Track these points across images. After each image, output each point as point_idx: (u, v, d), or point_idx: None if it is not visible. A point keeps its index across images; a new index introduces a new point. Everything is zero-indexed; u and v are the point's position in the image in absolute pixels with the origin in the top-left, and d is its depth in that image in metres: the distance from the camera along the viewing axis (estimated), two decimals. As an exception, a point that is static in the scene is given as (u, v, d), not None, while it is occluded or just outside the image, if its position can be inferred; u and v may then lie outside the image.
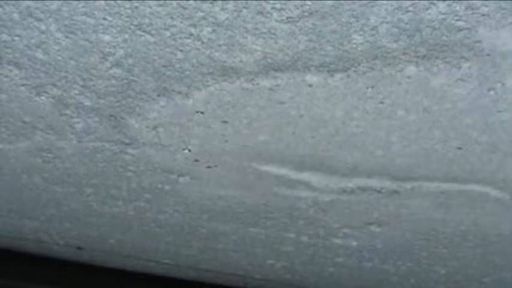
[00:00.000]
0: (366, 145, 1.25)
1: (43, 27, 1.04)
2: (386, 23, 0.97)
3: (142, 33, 1.03)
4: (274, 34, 1.01)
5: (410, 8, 0.94)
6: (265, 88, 1.13)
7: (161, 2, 0.97)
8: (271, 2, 0.95)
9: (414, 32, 0.98)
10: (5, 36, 1.07)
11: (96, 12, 1.00)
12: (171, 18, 1.00)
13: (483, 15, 0.93)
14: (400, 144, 1.24)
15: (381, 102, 1.14)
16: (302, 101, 1.16)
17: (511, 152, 1.23)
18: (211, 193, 1.49)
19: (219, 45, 1.04)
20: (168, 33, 1.03)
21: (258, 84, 1.12)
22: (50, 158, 1.42)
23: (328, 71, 1.08)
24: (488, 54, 1.01)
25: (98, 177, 1.49)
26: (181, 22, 1.00)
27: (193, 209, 1.59)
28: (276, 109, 1.18)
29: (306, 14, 0.96)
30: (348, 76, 1.08)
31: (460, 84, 1.08)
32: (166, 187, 1.49)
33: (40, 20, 1.03)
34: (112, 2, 0.98)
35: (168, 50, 1.07)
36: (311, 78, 1.10)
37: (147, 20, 1.01)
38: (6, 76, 1.17)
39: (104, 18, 1.01)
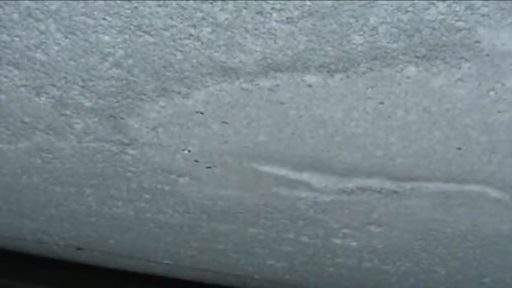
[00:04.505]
0: (366, 145, 1.25)
1: (43, 28, 1.04)
2: (386, 23, 0.97)
3: (142, 34, 1.03)
4: (274, 34, 1.01)
5: (410, 9, 0.94)
6: (265, 88, 1.13)
7: (161, 3, 0.97)
8: (271, 2, 0.95)
9: (414, 33, 0.98)
10: (4, 37, 1.07)
11: (95, 13, 1.00)
12: (171, 18, 1.00)
13: (483, 15, 0.93)
14: (400, 144, 1.24)
15: (381, 103, 1.14)
16: (302, 102, 1.16)
17: (511, 152, 1.23)
18: (211, 193, 1.49)
19: (219, 46, 1.04)
20: (167, 34, 1.03)
21: (257, 84, 1.12)
22: (50, 158, 1.42)
23: (328, 72, 1.08)
24: (488, 55, 1.01)
25: (98, 178, 1.49)
26: (180, 22, 1.00)
27: (193, 210, 1.59)
28: (275, 109, 1.18)
29: (305, 14, 0.96)
30: (348, 76, 1.08)
31: (460, 85, 1.08)
32: (166, 187, 1.49)
33: (40, 20, 1.03)
34: (111, 2, 0.98)
35: (167, 50, 1.07)
36: (311, 78, 1.10)
37: (146, 21, 1.01)
38: (5, 77, 1.17)
39: (104, 19, 1.01)
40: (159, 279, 2.12)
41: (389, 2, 0.93)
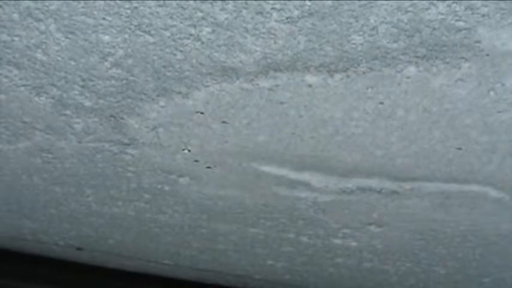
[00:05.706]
0: (366, 145, 1.25)
1: (43, 28, 1.04)
2: (386, 23, 0.97)
3: (142, 34, 1.04)
4: (274, 34, 1.01)
5: (410, 8, 0.94)
6: (265, 88, 1.13)
7: (161, 3, 0.97)
8: (271, 2, 0.95)
9: (414, 32, 0.98)
10: (4, 37, 1.07)
11: (95, 13, 1.00)
12: (171, 18, 1.00)
13: (483, 15, 0.93)
14: (400, 144, 1.24)
15: (381, 103, 1.14)
16: (302, 101, 1.16)
17: (511, 152, 1.23)
18: (211, 193, 1.49)
19: (219, 46, 1.04)
20: (167, 34, 1.03)
21: (257, 84, 1.12)
22: (50, 158, 1.42)
23: (328, 71, 1.08)
24: (487, 55, 1.01)
25: (98, 178, 1.49)
26: (180, 22, 1.00)
27: (193, 210, 1.59)
28: (275, 109, 1.18)
29: (305, 14, 0.96)
30: (348, 76, 1.08)
31: (460, 85, 1.08)
32: (166, 187, 1.49)
33: (40, 20, 1.03)
34: (111, 2, 0.98)
35: (167, 50, 1.07)
36: (311, 78, 1.10)
37: (146, 20, 1.01)
38: (5, 76, 1.17)
39: (104, 19, 1.01)
40: (159, 279, 2.12)
41: (389, 2, 0.93)
